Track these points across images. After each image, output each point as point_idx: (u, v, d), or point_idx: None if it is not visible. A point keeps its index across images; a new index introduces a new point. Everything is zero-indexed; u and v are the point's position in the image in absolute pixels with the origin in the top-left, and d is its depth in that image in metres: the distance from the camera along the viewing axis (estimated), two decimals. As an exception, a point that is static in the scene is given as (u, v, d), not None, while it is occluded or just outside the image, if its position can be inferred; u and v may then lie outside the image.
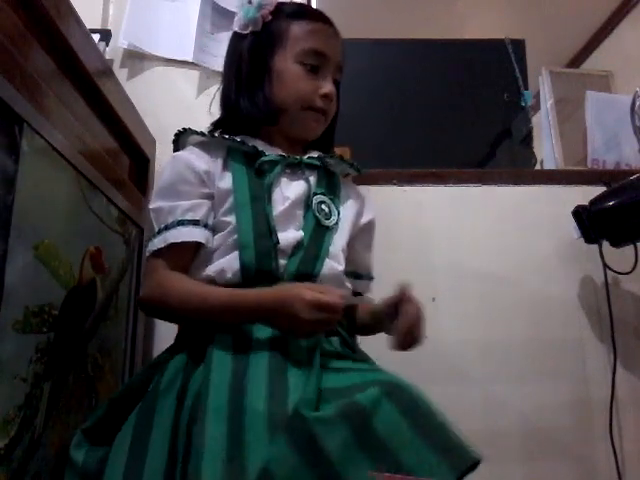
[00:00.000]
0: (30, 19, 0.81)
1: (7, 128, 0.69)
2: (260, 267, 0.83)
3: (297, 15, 0.94)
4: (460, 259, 1.44)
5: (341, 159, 1.00)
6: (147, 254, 0.88)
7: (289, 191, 0.91)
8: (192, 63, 1.59)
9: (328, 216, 0.91)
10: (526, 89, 1.76)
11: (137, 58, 1.60)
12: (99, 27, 1.58)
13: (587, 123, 1.66)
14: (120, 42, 1.58)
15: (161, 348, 1.43)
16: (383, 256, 1.11)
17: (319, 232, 0.89)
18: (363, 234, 1.03)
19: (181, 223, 0.85)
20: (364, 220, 1.03)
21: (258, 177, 0.89)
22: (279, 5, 0.96)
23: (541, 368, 1.38)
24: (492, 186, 1.51)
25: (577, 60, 2.81)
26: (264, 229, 0.84)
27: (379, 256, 1.07)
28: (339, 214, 0.94)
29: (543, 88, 1.75)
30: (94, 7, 1.61)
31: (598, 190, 1.37)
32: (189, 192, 0.87)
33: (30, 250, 0.75)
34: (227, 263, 0.83)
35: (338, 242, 0.92)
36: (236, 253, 0.83)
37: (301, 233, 0.87)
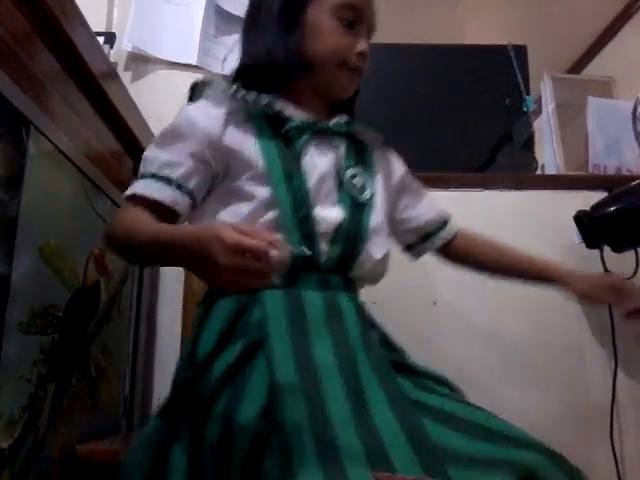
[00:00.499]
0: (36, 21, 0.81)
1: (14, 130, 0.70)
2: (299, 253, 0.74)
3: None
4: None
5: (368, 125, 0.91)
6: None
7: (319, 161, 0.82)
8: (196, 66, 1.60)
9: (362, 190, 0.83)
10: (528, 94, 1.76)
11: (141, 61, 1.61)
12: (103, 30, 1.59)
13: (588, 128, 1.66)
14: (124, 45, 1.58)
15: (162, 350, 1.45)
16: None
17: (356, 210, 0.81)
18: (404, 191, 0.97)
19: (154, 176, 0.76)
20: (396, 178, 0.96)
21: (286, 146, 0.81)
22: None
23: (542, 372, 1.38)
24: (493, 190, 1.51)
25: (579, 66, 2.82)
26: (304, 210, 0.76)
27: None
28: (373, 187, 0.86)
29: (545, 93, 1.76)
30: (99, 10, 1.62)
31: (599, 195, 1.37)
32: (179, 148, 0.78)
33: (35, 251, 0.75)
34: None
35: (380, 221, 0.85)
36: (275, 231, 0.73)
37: (341, 212, 0.79)
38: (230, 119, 0.81)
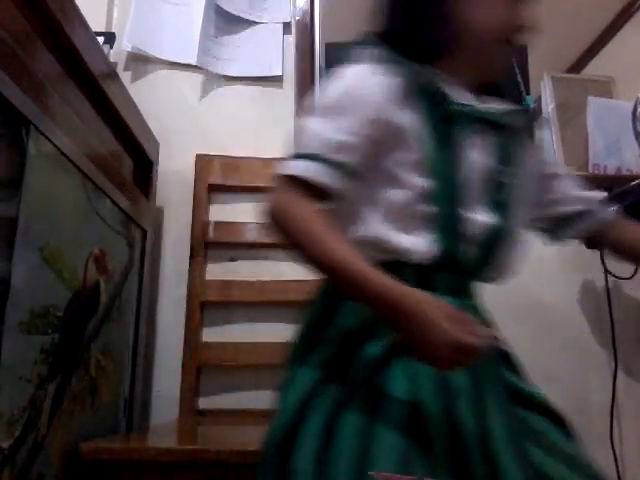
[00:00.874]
0: (36, 21, 0.81)
1: (14, 130, 0.70)
2: (447, 254, 0.68)
3: None
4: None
5: (519, 109, 0.81)
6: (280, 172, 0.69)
7: (478, 156, 0.72)
8: (196, 66, 1.60)
9: (510, 191, 0.74)
10: (528, 94, 1.76)
11: (141, 61, 1.61)
12: (103, 30, 1.59)
13: (588, 128, 1.66)
14: (124, 45, 1.58)
15: (162, 350, 1.45)
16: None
17: (504, 213, 0.73)
18: (549, 179, 0.86)
19: (325, 161, 0.67)
20: (538, 165, 0.86)
21: (447, 132, 0.71)
22: None
23: (541, 373, 1.37)
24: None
25: (578, 65, 2.81)
26: (458, 208, 0.69)
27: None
28: (519, 184, 0.77)
29: (544, 93, 1.76)
30: (98, 10, 1.62)
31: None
32: (348, 125, 0.68)
33: (36, 252, 0.75)
34: (415, 243, 0.68)
35: (519, 223, 0.76)
36: (428, 234, 0.68)
37: (492, 217, 0.71)
38: (395, 92, 0.70)
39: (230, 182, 1.50)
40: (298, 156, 0.68)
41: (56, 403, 0.82)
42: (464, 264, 0.71)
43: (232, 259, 1.47)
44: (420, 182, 0.68)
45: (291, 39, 1.68)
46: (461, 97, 0.73)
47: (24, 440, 0.73)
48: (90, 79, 0.99)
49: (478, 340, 0.55)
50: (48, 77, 0.81)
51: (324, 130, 0.69)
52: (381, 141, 0.70)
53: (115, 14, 1.66)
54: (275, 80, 1.64)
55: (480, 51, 0.74)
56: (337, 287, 0.65)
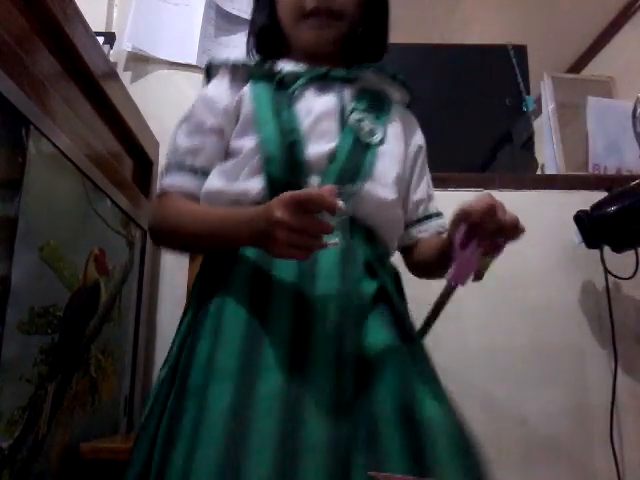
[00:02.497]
0: (36, 21, 0.81)
1: (14, 130, 0.70)
2: (288, 184, 0.69)
3: None
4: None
5: (394, 78, 0.88)
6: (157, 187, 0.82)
7: (316, 103, 0.79)
8: (195, 66, 1.60)
9: (370, 134, 0.79)
10: (528, 94, 1.77)
11: (141, 61, 1.61)
12: (103, 30, 1.59)
13: (588, 128, 1.66)
14: (124, 45, 1.58)
15: (163, 350, 1.44)
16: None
17: (358, 148, 0.77)
18: (415, 163, 0.89)
19: (181, 168, 0.78)
20: (413, 146, 0.89)
21: (275, 94, 0.79)
22: None
23: (542, 373, 1.38)
24: (493, 190, 1.51)
25: (578, 65, 2.81)
26: (291, 142, 0.74)
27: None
28: (385, 135, 0.81)
29: (544, 93, 1.76)
30: (99, 10, 1.62)
31: (599, 195, 1.37)
32: (198, 131, 0.79)
33: (35, 251, 0.75)
34: (252, 183, 0.74)
35: (388, 167, 0.79)
36: (261, 172, 0.74)
37: (333, 144, 0.76)
38: (236, 87, 0.81)
39: (230, 182, 1.50)
40: (165, 169, 0.80)
41: (56, 403, 0.82)
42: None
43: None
44: (251, 141, 0.76)
45: (291, 39, 1.68)
46: (297, 66, 0.83)
47: (24, 440, 0.73)
48: (90, 79, 0.99)
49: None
50: (48, 77, 0.82)
51: (178, 139, 0.80)
52: (226, 128, 0.79)
53: (115, 14, 1.66)
54: (275, 80, 1.64)
55: (292, 36, 0.85)
56: (218, 245, 0.72)
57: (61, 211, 0.84)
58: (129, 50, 1.59)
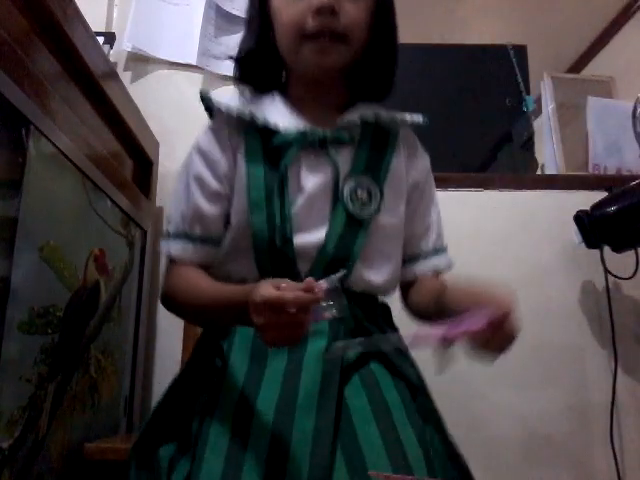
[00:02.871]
0: (36, 21, 0.81)
1: (14, 130, 0.70)
2: (277, 272, 0.69)
3: None
4: (460, 263, 1.44)
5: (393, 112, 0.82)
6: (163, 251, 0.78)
7: (309, 181, 0.74)
8: (195, 66, 1.60)
9: (366, 203, 0.74)
10: (528, 94, 1.77)
11: (141, 61, 1.61)
12: (103, 30, 1.59)
13: (588, 128, 1.66)
14: (124, 45, 1.58)
15: (163, 350, 1.45)
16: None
17: (350, 229, 0.73)
18: (413, 197, 0.83)
19: (189, 237, 0.75)
20: (413, 185, 0.84)
21: (273, 164, 0.74)
22: None
23: (542, 373, 1.38)
24: (493, 191, 1.52)
25: (578, 65, 2.82)
26: (280, 237, 0.71)
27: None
28: (382, 195, 0.76)
29: (544, 93, 1.76)
30: (99, 10, 1.62)
31: (599, 195, 1.37)
32: (198, 194, 0.76)
33: (35, 251, 0.75)
34: (246, 270, 0.74)
35: (382, 242, 0.76)
36: (249, 260, 0.73)
37: (323, 233, 0.72)
38: (232, 137, 0.77)
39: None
40: (168, 234, 0.77)
41: (56, 403, 0.82)
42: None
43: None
44: (242, 220, 0.73)
45: (291, 39, 1.68)
46: (291, 123, 0.75)
47: (24, 440, 0.73)
48: (90, 79, 0.99)
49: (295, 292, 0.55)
50: (48, 77, 0.82)
51: (181, 201, 0.77)
52: (228, 194, 0.76)
53: (115, 14, 1.66)
54: (275, 80, 1.64)
55: (291, 61, 0.77)
56: (217, 321, 0.72)
57: (61, 211, 0.84)
58: (129, 50, 1.59)
